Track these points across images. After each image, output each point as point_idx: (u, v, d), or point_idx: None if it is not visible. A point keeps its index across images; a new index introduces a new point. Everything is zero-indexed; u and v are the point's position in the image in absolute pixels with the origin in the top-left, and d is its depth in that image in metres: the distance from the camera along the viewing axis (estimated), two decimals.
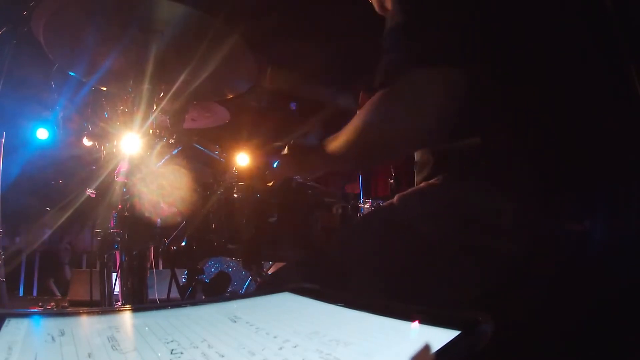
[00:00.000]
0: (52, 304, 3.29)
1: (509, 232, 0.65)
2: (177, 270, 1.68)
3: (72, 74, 1.64)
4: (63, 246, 4.89)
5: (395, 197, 0.80)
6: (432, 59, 0.68)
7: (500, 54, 0.71)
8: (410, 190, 0.81)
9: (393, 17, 0.74)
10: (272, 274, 1.54)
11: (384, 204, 0.83)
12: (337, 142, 0.80)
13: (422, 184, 0.80)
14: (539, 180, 0.68)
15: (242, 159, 2.80)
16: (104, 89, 1.69)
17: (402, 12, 0.72)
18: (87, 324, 0.46)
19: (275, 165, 1.10)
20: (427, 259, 0.66)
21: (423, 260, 0.66)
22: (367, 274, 0.67)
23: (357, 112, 0.78)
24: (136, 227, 1.37)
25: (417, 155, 0.87)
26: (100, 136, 1.62)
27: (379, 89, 0.73)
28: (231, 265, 2.61)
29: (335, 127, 0.83)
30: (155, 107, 1.47)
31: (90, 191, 1.67)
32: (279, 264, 2.02)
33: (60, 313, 0.53)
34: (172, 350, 0.36)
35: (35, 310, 2.38)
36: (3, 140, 2.57)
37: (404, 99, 0.71)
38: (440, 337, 0.33)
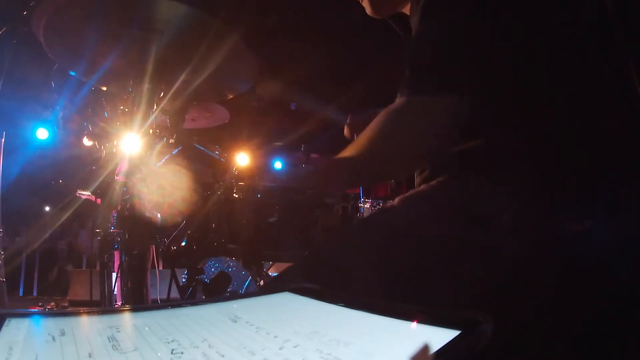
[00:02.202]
0: (52, 304, 3.30)
1: (510, 232, 0.65)
2: (177, 270, 1.68)
3: (72, 73, 1.64)
4: (60, 246, 4.90)
5: (396, 200, 0.80)
6: (449, 85, 0.71)
7: (501, 55, 0.71)
8: (411, 192, 0.81)
9: (423, 35, 0.76)
10: (275, 276, 1.54)
11: (385, 205, 0.83)
12: (350, 156, 0.79)
13: (422, 186, 0.80)
14: (539, 180, 0.68)
15: (242, 159, 2.81)
16: (104, 88, 1.69)
17: (432, 33, 0.75)
18: (87, 324, 0.46)
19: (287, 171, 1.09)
20: (428, 260, 0.66)
21: (424, 261, 0.66)
22: (369, 276, 0.67)
23: (370, 124, 0.78)
24: (136, 227, 1.37)
25: None
26: (100, 136, 1.62)
27: (401, 99, 0.75)
28: (231, 265, 2.61)
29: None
30: (155, 107, 1.47)
31: (83, 193, 1.67)
32: (279, 264, 2.03)
33: (61, 313, 0.53)
34: (173, 350, 0.36)
35: (36, 310, 2.39)
36: (3, 140, 2.57)
37: (420, 113, 0.74)
38: (440, 337, 0.33)
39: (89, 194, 1.63)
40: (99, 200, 1.56)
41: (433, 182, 0.77)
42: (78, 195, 1.80)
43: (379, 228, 0.77)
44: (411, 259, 0.67)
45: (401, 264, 0.67)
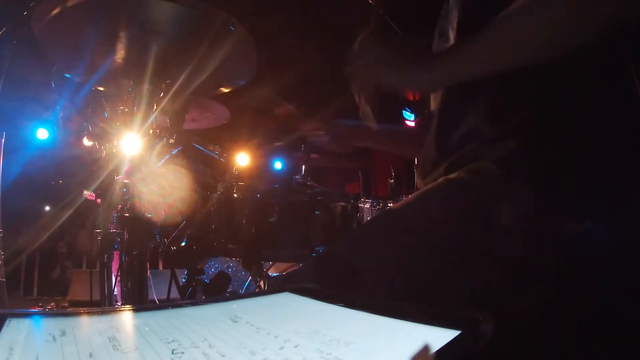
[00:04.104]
0: (52, 304, 3.30)
1: (510, 232, 0.65)
2: (177, 270, 1.68)
3: (68, 76, 1.63)
4: (60, 247, 4.90)
5: (398, 204, 0.81)
6: None
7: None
8: (411, 196, 0.81)
9: None
10: (284, 276, 1.54)
11: (392, 206, 0.82)
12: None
13: (427, 187, 0.80)
14: (539, 181, 0.68)
15: (242, 159, 2.81)
16: (101, 88, 1.69)
17: None
18: (88, 324, 0.46)
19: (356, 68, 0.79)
20: (435, 262, 0.66)
21: (431, 263, 0.66)
22: (378, 278, 0.67)
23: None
24: (136, 227, 1.37)
25: (422, 158, 0.88)
26: (100, 136, 1.62)
27: None
28: (231, 265, 2.61)
29: None
30: (155, 107, 1.47)
31: (88, 193, 1.67)
32: (279, 264, 2.03)
33: (61, 313, 0.53)
34: (173, 350, 0.36)
35: (36, 310, 2.39)
36: (3, 140, 2.57)
37: None
38: (440, 337, 0.33)
39: (93, 194, 1.63)
40: (98, 200, 1.56)
41: (439, 181, 0.78)
42: (84, 196, 1.80)
43: (388, 229, 0.76)
44: (420, 261, 0.67)
45: (411, 265, 0.67)
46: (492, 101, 0.74)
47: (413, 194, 0.80)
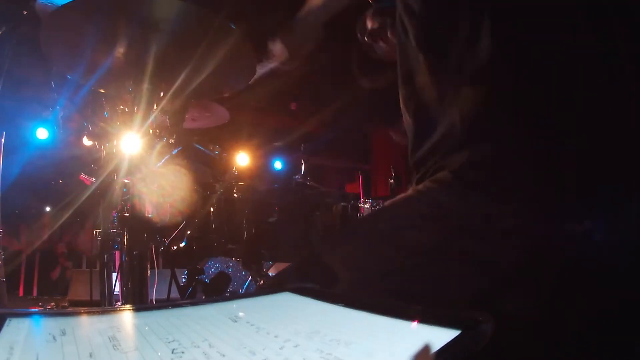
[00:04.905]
0: (52, 304, 3.30)
1: (509, 232, 0.65)
2: (177, 270, 1.68)
3: (70, 77, 1.63)
4: (60, 247, 4.91)
5: (389, 202, 0.82)
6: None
7: (497, 56, 0.71)
8: (385, 204, 0.83)
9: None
10: (271, 277, 1.55)
11: (373, 210, 0.85)
12: None
13: (393, 199, 0.82)
14: (539, 182, 0.68)
15: (242, 159, 2.81)
16: (102, 91, 1.69)
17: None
18: (88, 324, 0.46)
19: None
20: (396, 260, 0.67)
21: (412, 266, 0.67)
22: (356, 283, 0.68)
23: None
24: (136, 227, 1.37)
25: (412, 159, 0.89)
26: (100, 136, 1.62)
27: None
28: (231, 265, 2.62)
29: None
30: (155, 107, 1.47)
31: (85, 177, 1.67)
32: (279, 264, 2.03)
33: (61, 313, 0.54)
34: (173, 349, 0.36)
35: (36, 310, 2.38)
36: (3, 140, 2.57)
37: None
38: (440, 337, 0.33)
39: (93, 179, 1.63)
40: (88, 182, 1.56)
41: (408, 192, 0.79)
42: (81, 178, 1.81)
43: (357, 231, 0.79)
44: (386, 261, 0.68)
45: (388, 270, 0.68)
46: (460, 112, 0.76)
47: (386, 203, 0.83)
